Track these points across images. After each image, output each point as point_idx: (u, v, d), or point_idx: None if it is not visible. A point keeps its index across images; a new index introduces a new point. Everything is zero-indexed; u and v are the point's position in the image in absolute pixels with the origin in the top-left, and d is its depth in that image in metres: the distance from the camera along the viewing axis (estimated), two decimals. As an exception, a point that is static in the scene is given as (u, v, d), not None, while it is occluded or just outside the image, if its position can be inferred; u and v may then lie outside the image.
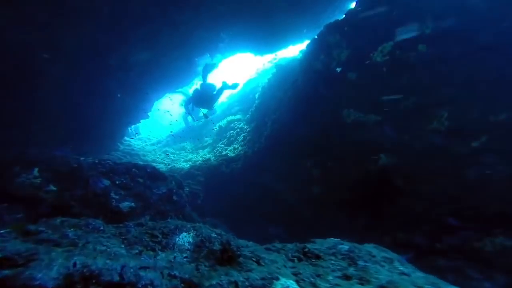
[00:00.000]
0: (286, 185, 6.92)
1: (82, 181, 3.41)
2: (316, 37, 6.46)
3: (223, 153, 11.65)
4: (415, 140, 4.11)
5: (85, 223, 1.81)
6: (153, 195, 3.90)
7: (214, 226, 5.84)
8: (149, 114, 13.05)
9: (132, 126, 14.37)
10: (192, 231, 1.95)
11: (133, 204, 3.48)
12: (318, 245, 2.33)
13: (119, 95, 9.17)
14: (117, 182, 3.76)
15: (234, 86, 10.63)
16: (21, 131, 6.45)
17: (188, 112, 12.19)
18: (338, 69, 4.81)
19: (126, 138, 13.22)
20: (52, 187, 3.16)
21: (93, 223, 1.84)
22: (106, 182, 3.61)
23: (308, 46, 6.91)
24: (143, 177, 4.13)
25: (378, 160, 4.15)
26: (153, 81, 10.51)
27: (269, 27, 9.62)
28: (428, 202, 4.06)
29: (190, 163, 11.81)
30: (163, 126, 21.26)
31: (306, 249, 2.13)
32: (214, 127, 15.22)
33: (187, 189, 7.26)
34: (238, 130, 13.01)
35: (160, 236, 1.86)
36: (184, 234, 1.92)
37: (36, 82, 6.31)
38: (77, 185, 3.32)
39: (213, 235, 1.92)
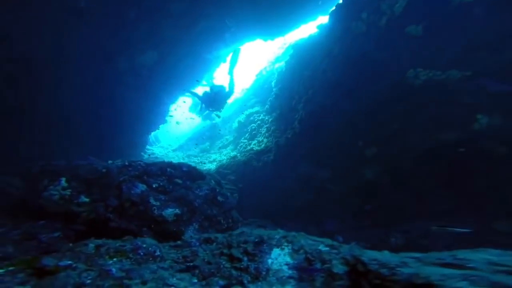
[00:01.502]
0: (331, 172, 6.13)
1: (114, 189, 2.85)
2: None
3: (247, 148, 11.02)
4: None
5: (132, 247, 1.16)
6: (196, 198, 3.30)
7: (262, 227, 5.19)
8: (166, 118, 12.73)
9: (152, 134, 14.17)
10: (286, 244, 1.25)
11: (177, 211, 2.88)
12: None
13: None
14: (154, 186, 3.18)
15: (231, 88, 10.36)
16: (44, 145, 6.19)
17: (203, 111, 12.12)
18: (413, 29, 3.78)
19: (148, 147, 12.96)
20: (84, 198, 2.62)
21: (143, 245, 1.20)
22: (142, 187, 3.03)
23: (335, 11, 6.04)
24: (181, 178, 3.53)
25: (472, 123, 3.26)
26: (164, 82, 10.07)
27: (278, 3, 8.77)
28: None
29: (215, 163, 11.29)
30: (173, 135, 20.92)
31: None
32: (233, 124, 14.65)
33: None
34: (259, 122, 12.30)
35: (244, 257, 1.19)
36: (277, 250, 1.22)
37: (54, 91, 5.99)
38: (110, 193, 2.76)
39: (322, 248, 1.21)
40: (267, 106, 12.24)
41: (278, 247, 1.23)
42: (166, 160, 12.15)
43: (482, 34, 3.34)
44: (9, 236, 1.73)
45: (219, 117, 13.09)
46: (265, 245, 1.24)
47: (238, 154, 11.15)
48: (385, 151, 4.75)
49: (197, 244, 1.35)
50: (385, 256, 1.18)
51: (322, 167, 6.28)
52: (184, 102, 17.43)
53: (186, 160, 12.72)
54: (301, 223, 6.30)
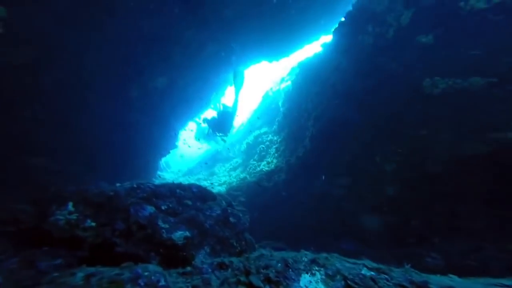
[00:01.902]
0: (347, 190, 5.80)
1: (122, 212, 2.70)
2: (346, 16, 5.71)
3: (257, 169, 10.82)
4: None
5: (132, 276, 0.98)
6: (207, 219, 3.10)
7: (278, 250, 4.82)
8: (176, 144, 12.88)
9: (163, 160, 14.28)
10: (317, 268, 1.03)
11: (187, 233, 2.68)
12: None
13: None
14: (162, 208, 3.02)
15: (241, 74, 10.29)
16: (58, 173, 6.24)
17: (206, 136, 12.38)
18: (424, 38, 3.76)
19: (158, 172, 12.99)
20: (90, 222, 2.47)
21: (145, 273, 1.01)
22: (150, 209, 2.87)
23: (339, 28, 6.15)
24: (191, 199, 3.36)
25: (507, 132, 2.99)
26: (174, 107, 10.31)
27: (282, 25, 9.10)
28: None
29: (225, 185, 11.08)
30: (182, 160, 21.01)
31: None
32: (242, 146, 14.62)
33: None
34: (267, 143, 12.22)
35: (266, 286, 0.98)
36: (306, 277, 1.00)
37: (70, 118, 6.17)
38: (117, 216, 2.61)
39: (366, 272, 0.99)
40: (275, 126, 12.23)
41: (307, 273, 1.01)
42: (176, 184, 12.05)
43: (504, 39, 3.22)
44: (5, 264, 1.58)
45: (224, 141, 12.69)
46: (290, 270, 1.03)
47: (248, 176, 10.93)
48: (405, 165, 4.46)
49: (209, 270, 1.15)
50: (456, 281, 0.93)
51: (337, 184, 5.97)
52: (192, 130, 17.73)
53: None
54: (317, 244, 5.86)
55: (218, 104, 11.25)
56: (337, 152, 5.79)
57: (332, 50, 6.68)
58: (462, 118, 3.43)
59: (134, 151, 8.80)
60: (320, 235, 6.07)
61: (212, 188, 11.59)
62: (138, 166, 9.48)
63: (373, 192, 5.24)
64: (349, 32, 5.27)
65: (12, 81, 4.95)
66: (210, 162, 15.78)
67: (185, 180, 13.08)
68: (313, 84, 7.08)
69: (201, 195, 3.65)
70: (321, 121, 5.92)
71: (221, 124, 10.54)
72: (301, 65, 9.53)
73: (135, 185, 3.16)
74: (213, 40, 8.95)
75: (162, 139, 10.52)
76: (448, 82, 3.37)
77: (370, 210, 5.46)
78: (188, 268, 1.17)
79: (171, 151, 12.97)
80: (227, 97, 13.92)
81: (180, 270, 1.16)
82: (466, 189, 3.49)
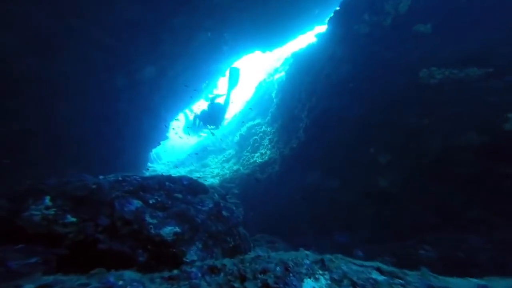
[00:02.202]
0: (341, 181, 5.77)
1: (106, 206, 2.53)
2: (341, 4, 5.53)
3: (250, 161, 10.72)
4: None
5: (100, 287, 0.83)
6: (198, 213, 2.96)
7: (271, 243, 4.77)
8: (167, 135, 12.57)
9: (154, 151, 13.96)
10: (321, 272, 0.91)
11: (177, 229, 2.54)
12: None
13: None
14: (150, 202, 2.86)
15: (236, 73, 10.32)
16: (43, 166, 5.93)
17: (194, 128, 12.34)
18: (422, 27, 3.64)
19: (149, 164, 12.69)
20: (71, 218, 2.30)
21: (119, 283, 0.87)
22: (137, 203, 2.71)
23: (334, 17, 5.96)
24: (181, 192, 3.21)
25: (503, 123, 2.96)
26: (164, 97, 9.98)
27: (275, 15, 8.83)
28: None
29: (218, 178, 10.95)
30: (173, 151, 20.68)
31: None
32: (235, 137, 14.44)
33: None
34: (261, 134, 12.09)
35: None
36: (309, 282, 0.87)
37: (53, 109, 5.82)
38: (100, 211, 2.44)
39: (377, 276, 0.88)
40: (268, 117, 12.09)
41: (310, 277, 0.89)
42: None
43: (503, 29, 3.15)
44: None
45: (213, 134, 12.79)
46: (291, 275, 0.91)
47: (241, 167, 10.82)
48: (400, 157, 4.43)
49: (199, 274, 1.02)
50: (474, 283, 0.84)
51: (331, 176, 5.93)
52: (181, 121, 17.27)
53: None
54: (311, 236, 5.86)
55: (209, 95, 11.10)
56: (332, 143, 5.72)
57: (326, 39, 6.52)
58: (459, 108, 3.38)
59: (123, 143, 8.50)
60: (313, 227, 6.07)
61: (205, 180, 11.43)
62: (127, 159, 9.19)
63: (367, 184, 5.23)
64: (345, 22, 5.11)
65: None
66: (202, 153, 15.56)
67: (176, 172, 12.86)
68: (307, 75, 6.93)
69: (192, 187, 3.50)
70: (314, 112, 5.82)
71: (211, 117, 10.34)
72: (295, 55, 9.34)
73: (120, 178, 2.97)
74: (205, 29, 8.60)
75: (153, 130, 10.21)
76: (445, 72, 3.30)
77: (363, 202, 5.46)
78: (175, 272, 1.04)
79: (161, 142, 12.68)
80: (219, 89, 13.63)
81: (165, 274, 1.02)
82: (459, 180, 3.49)
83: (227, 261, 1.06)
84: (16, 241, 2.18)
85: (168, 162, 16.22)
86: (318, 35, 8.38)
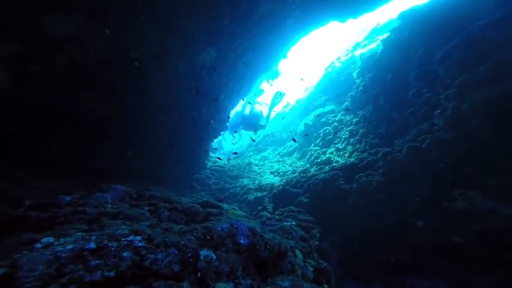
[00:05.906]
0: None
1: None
2: None
3: (323, 159, 8.78)
4: None
5: None
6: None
7: None
8: (227, 124, 11.78)
9: (215, 141, 13.53)
10: None
11: None
12: None
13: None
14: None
15: (281, 97, 11.46)
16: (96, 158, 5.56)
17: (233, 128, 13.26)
18: None
19: (211, 153, 12.20)
20: None
21: None
22: None
23: None
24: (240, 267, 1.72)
25: None
26: (224, 85, 8.91)
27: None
28: None
29: (278, 176, 9.44)
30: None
31: None
32: (298, 127, 12.64)
33: (293, 223, 4.68)
34: (335, 124, 9.88)
35: None
36: None
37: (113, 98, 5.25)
38: None
39: None
40: (347, 102, 9.75)
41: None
42: (226, 168, 11.06)
43: None
44: None
45: (253, 140, 13.54)
46: None
47: (309, 166, 9.02)
48: None
49: None
50: None
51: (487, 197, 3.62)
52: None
53: (246, 170, 11.32)
54: (446, 280, 3.73)
55: (255, 98, 12.09)
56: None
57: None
58: None
59: (183, 134, 7.87)
60: (444, 265, 3.94)
61: (265, 176, 10.18)
62: (189, 148, 8.64)
63: None
64: None
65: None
66: (261, 145, 14.34)
67: (235, 164, 11.99)
68: (435, 36, 4.48)
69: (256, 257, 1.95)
70: (472, 94, 3.50)
71: (251, 122, 11.32)
72: (403, 15, 6.65)
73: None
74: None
75: (213, 119, 9.34)
76: None
77: None
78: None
79: (222, 133, 11.98)
80: (282, 66, 12.55)
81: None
82: None
83: None
84: None
85: (229, 152, 15.68)
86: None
